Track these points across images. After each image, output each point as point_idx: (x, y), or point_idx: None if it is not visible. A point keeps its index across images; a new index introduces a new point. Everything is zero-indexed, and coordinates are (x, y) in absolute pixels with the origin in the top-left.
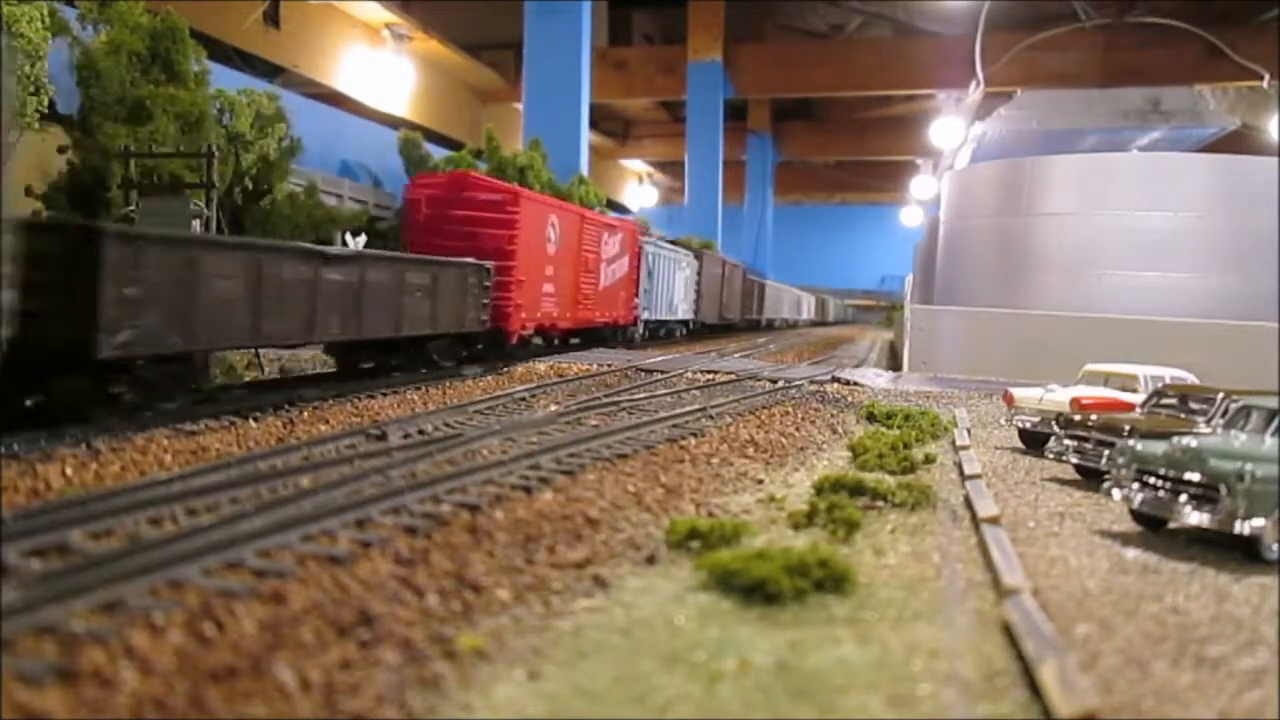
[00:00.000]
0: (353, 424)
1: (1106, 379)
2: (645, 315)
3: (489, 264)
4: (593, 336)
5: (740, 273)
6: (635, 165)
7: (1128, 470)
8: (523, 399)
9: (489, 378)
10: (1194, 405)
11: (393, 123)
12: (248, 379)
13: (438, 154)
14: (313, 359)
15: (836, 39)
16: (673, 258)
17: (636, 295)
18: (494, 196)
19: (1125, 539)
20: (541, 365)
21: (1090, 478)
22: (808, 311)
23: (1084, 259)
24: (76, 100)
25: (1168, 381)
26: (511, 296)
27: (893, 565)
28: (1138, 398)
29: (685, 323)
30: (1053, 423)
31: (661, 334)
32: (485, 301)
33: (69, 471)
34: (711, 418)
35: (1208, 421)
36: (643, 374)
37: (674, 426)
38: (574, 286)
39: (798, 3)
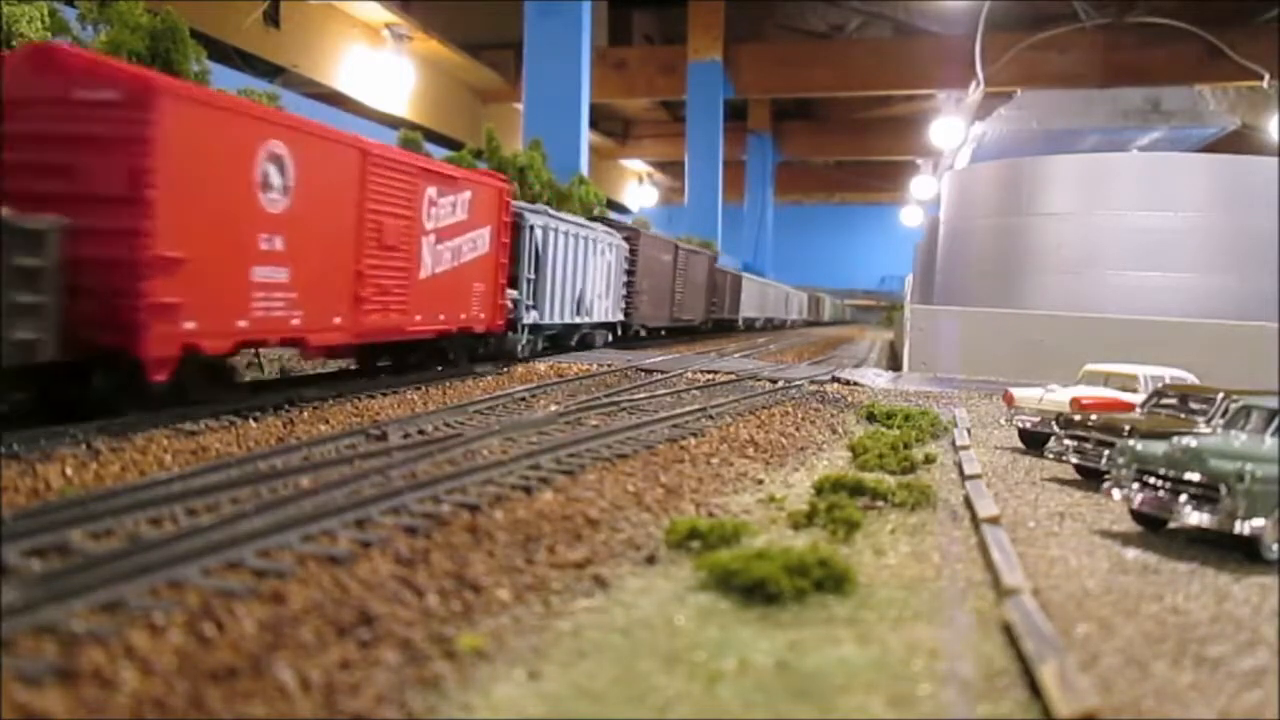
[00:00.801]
0: (353, 424)
1: (1106, 379)
2: (531, 318)
3: (38, 223)
4: (425, 353)
5: (705, 262)
6: (635, 165)
7: (1128, 470)
8: (523, 399)
9: (489, 378)
10: (1194, 405)
11: (393, 123)
12: (247, 379)
13: (438, 154)
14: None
15: (836, 39)
16: (584, 237)
17: (510, 290)
18: (102, 93)
19: (1125, 539)
20: (542, 365)
21: (1090, 478)
22: (798, 311)
23: (1084, 259)
24: None
25: (1168, 381)
26: (143, 286)
27: (893, 565)
28: (1138, 398)
29: (611, 327)
30: (1053, 423)
31: (573, 344)
32: (30, 300)
33: (69, 471)
34: (711, 418)
35: (1208, 421)
36: (643, 374)
37: (674, 426)
38: (351, 274)
39: (798, 3)
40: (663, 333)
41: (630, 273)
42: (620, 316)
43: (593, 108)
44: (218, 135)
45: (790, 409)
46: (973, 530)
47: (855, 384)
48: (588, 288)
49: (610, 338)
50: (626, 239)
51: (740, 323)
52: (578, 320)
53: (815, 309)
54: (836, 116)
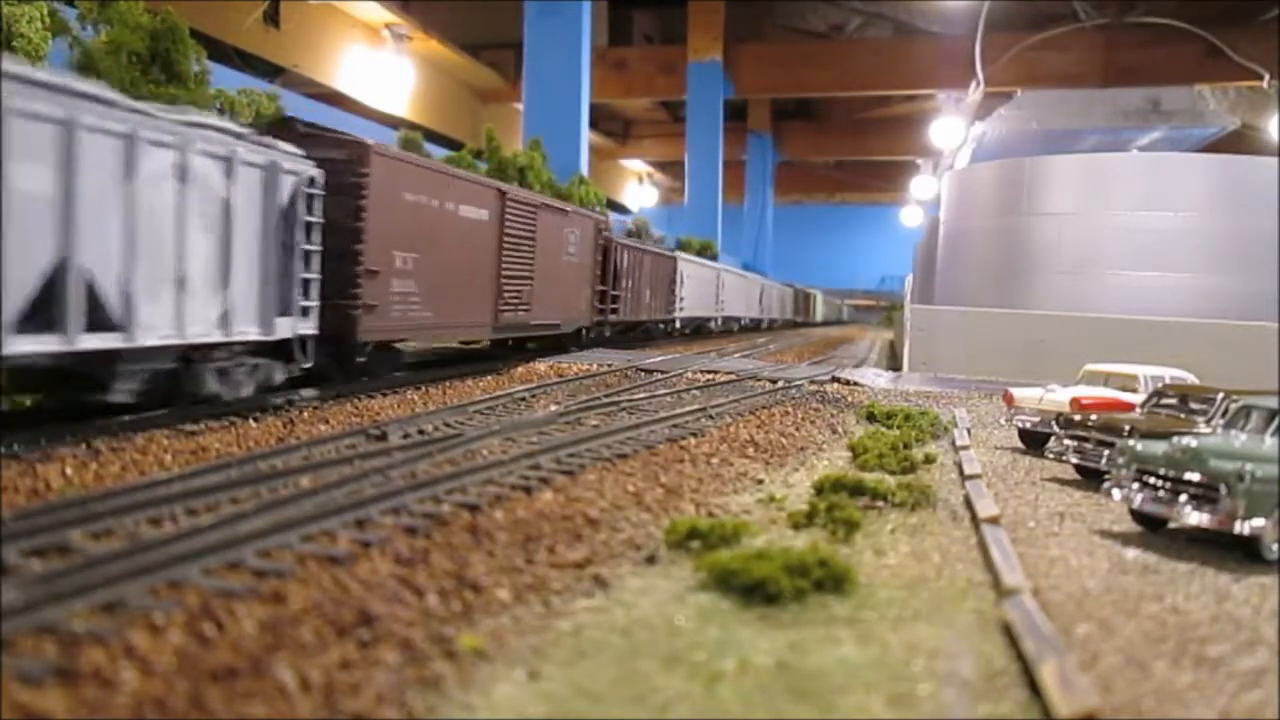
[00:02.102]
0: (353, 424)
1: (1106, 379)
2: None
3: None
4: None
5: (587, 229)
6: (635, 165)
7: (1128, 470)
8: (523, 399)
9: (489, 377)
10: (1194, 405)
11: (393, 123)
12: None
13: (438, 154)
14: None
15: (836, 39)
16: (117, 134)
17: None
18: None
19: (1125, 539)
20: (542, 365)
21: (1090, 478)
22: (779, 309)
23: (1084, 259)
24: None
25: (1168, 381)
26: None
27: (893, 565)
28: (1138, 398)
29: (276, 350)
30: (1053, 423)
31: (126, 395)
32: None
33: (69, 471)
34: (711, 417)
35: (1208, 421)
36: (642, 374)
37: (674, 426)
38: None
39: (798, 3)
40: (497, 342)
41: (351, 234)
42: (302, 328)
43: (593, 108)
44: None
45: (790, 409)
46: (973, 530)
47: (855, 384)
48: (140, 263)
49: (280, 375)
50: (346, 161)
51: (678, 324)
52: (85, 344)
53: (803, 307)
54: (836, 116)
